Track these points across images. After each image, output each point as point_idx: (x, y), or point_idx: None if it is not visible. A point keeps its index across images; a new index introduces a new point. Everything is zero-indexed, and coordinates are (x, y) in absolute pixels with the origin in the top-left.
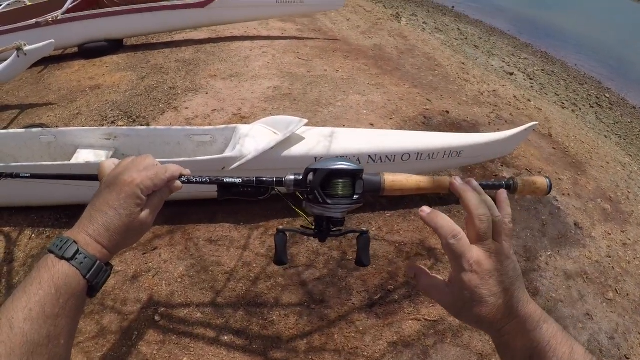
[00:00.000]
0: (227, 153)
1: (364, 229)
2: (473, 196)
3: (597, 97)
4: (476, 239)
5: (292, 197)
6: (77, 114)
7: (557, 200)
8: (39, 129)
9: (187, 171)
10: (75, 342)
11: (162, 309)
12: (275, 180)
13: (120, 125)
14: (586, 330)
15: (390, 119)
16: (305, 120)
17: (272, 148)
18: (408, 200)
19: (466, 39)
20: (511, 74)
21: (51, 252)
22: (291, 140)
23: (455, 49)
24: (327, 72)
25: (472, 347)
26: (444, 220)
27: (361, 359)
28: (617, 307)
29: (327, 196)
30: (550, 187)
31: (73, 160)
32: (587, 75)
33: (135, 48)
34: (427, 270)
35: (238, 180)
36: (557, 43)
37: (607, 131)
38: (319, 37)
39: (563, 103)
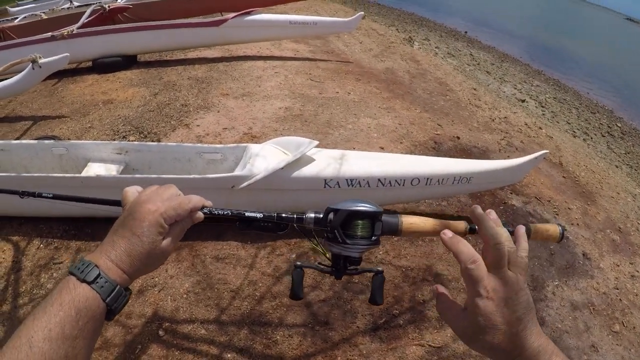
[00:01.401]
0: (237, 172)
1: (380, 268)
2: (492, 225)
3: (608, 126)
4: (492, 267)
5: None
6: (89, 127)
7: (565, 230)
8: (51, 140)
9: (209, 203)
10: None
11: (167, 324)
12: (296, 218)
13: (132, 140)
14: None
15: (401, 142)
16: (316, 142)
17: (282, 168)
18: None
19: (478, 64)
20: (523, 100)
21: (72, 274)
22: (301, 161)
23: (467, 74)
24: (339, 95)
25: None
26: (464, 245)
27: None
28: (623, 340)
29: (346, 236)
30: (562, 235)
31: (84, 173)
32: (599, 103)
33: (149, 64)
34: (448, 294)
35: (259, 215)
36: (570, 71)
37: (619, 161)
38: (331, 59)
39: (574, 131)
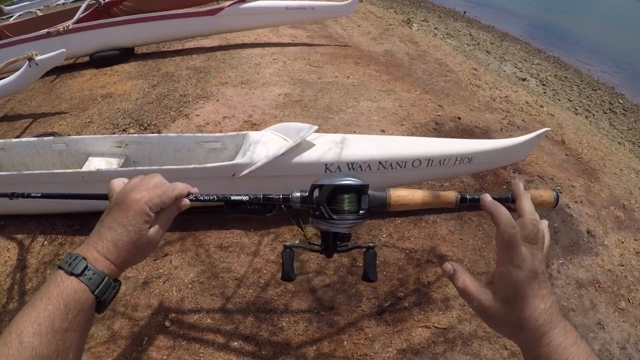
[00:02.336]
0: (238, 160)
1: (371, 244)
2: (531, 204)
3: (610, 103)
4: (525, 240)
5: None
6: (89, 122)
7: (569, 208)
8: (51, 137)
9: (194, 189)
10: (86, 347)
11: (173, 315)
12: (282, 197)
13: (132, 133)
14: (597, 339)
15: (402, 125)
16: (316, 127)
17: (282, 154)
18: None
19: (478, 44)
20: (524, 79)
21: (60, 268)
22: (301, 146)
23: (467, 54)
24: (338, 79)
25: (482, 355)
26: (505, 211)
27: None
28: (630, 317)
29: (332, 212)
30: (557, 200)
31: (84, 168)
32: (600, 80)
33: (146, 56)
34: (463, 270)
35: (245, 198)
36: (570, 48)
37: (621, 137)
38: (329, 43)
39: (576, 109)
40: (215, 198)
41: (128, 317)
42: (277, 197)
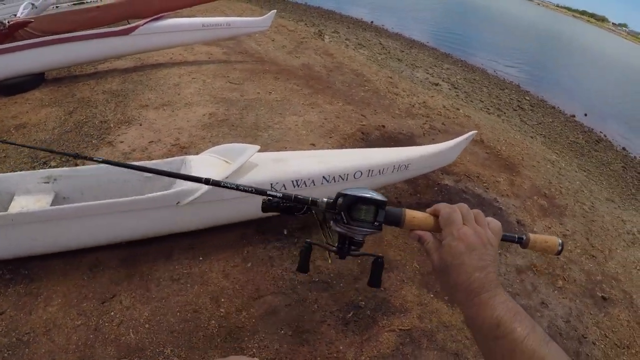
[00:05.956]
0: (181, 187)
1: (380, 254)
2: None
3: (518, 101)
4: (465, 220)
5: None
6: (5, 157)
7: (497, 202)
8: None
9: None
10: None
11: (135, 359)
12: (311, 200)
13: (54, 166)
14: (544, 317)
15: (330, 137)
16: (258, 147)
17: (227, 178)
18: None
19: (389, 52)
20: (436, 84)
21: None
22: (244, 168)
23: (380, 63)
24: (261, 95)
25: (447, 348)
26: (446, 204)
27: None
28: (568, 293)
29: (351, 219)
30: (561, 250)
31: (10, 210)
32: (506, 80)
33: (58, 81)
34: (430, 234)
35: (279, 195)
36: (474, 52)
37: (533, 132)
38: (246, 59)
39: (488, 109)
40: (254, 190)
41: None
42: (307, 199)
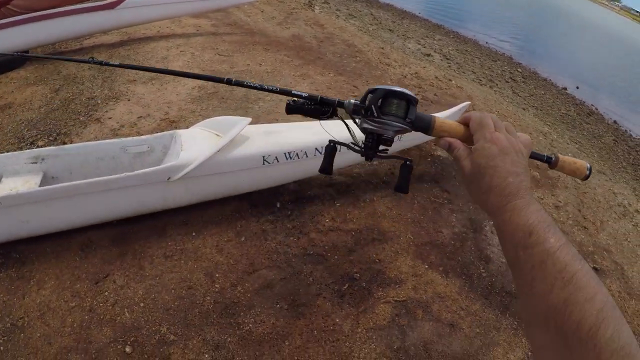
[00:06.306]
0: (172, 162)
1: (409, 158)
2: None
3: (510, 72)
4: (497, 128)
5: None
6: None
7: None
8: None
9: None
10: None
11: (132, 339)
12: (337, 102)
13: (41, 146)
14: None
15: None
16: (249, 119)
17: (218, 151)
18: (355, 187)
19: (380, 23)
20: (428, 55)
21: None
22: (236, 141)
23: (372, 34)
24: (250, 67)
25: (443, 318)
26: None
27: (345, 349)
28: None
29: (382, 113)
30: (589, 174)
31: None
32: (498, 52)
33: (43, 59)
34: (459, 142)
35: (305, 94)
36: (467, 23)
37: (525, 104)
38: (235, 31)
39: (480, 80)
40: (278, 89)
41: (83, 352)
42: (333, 100)
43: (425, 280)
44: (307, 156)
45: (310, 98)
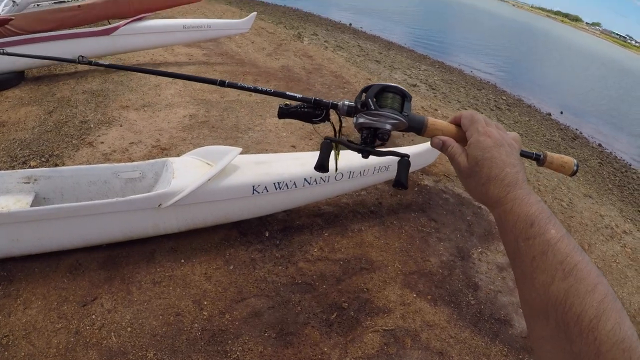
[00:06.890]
0: (164, 189)
1: (406, 154)
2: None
3: (495, 101)
4: (489, 123)
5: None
6: None
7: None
8: None
9: None
10: None
11: None
12: (331, 103)
13: (33, 166)
14: None
15: (310, 139)
16: (240, 149)
17: (209, 180)
18: (343, 217)
19: (367, 54)
20: (414, 85)
21: None
22: (227, 170)
23: (359, 65)
24: (241, 97)
25: (432, 347)
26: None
27: None
28: None
29: (379, 106)
30: (576, 170)
31: None
32: (483, 80)
33: (38, 80)
34: (453, 140)
35: (298, 96)
36: (451, 53)
37: (509, 131)
38: (226, 61)
39: (466, 109)
40: (272, 91)
41: None
42: (327, 102)
43: (414, 309)
44: (295, 186)
45: (303, 100)
